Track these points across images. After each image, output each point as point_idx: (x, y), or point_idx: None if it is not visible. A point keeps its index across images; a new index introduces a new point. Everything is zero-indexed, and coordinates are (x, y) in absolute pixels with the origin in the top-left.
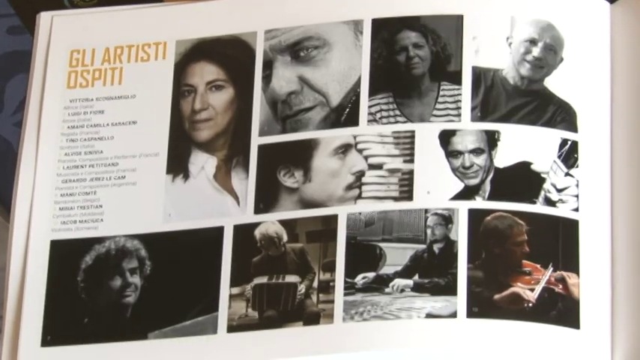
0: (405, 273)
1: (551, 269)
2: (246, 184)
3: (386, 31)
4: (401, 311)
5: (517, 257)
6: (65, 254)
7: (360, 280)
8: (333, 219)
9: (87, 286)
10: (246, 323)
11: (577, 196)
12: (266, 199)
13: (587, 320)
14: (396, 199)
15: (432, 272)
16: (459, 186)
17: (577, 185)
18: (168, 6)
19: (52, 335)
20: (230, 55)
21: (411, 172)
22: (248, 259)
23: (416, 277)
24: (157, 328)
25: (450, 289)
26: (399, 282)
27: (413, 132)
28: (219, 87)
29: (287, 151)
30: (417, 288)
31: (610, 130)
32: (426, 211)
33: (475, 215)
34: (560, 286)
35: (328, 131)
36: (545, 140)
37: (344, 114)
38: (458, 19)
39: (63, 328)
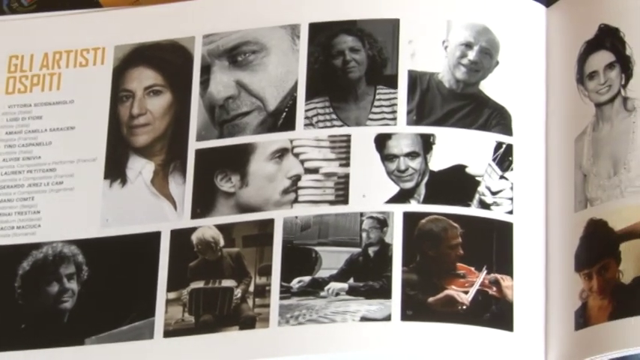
0: (341, 276)
1: (485, 272)
2: (183, 188)
3: (323, 35)
4: (336, 315)
5: (451, 260)
6: (2, 260)
7: (295, 284)
8: (269, 223)
9: (24, 291)
10: (182, 328)
11: (511, 199)
12: (203, 204)
13: (520, 322)
14: (331, 202)
15: (367, 275)
16: (394, 189)
17: (511, 188)
18: (106, 11)
19: None
20: (168, 60)
21: (346, 176)
22: (185, 264)
23: (351, 281)
24: (93, 334)
25: (385, 293)
26: (334, 285)
27: (349, 136)
28: (157, 92)
29: (224, 155)
30: (352, 291)
31: (545, 133)
32: (362, 214)
33: (410, 218)
34: (494, 289)
35: (265, 136)
36: (480, 143)
37: (281, 118)
38: (394, 23)
39: (0, 334)
